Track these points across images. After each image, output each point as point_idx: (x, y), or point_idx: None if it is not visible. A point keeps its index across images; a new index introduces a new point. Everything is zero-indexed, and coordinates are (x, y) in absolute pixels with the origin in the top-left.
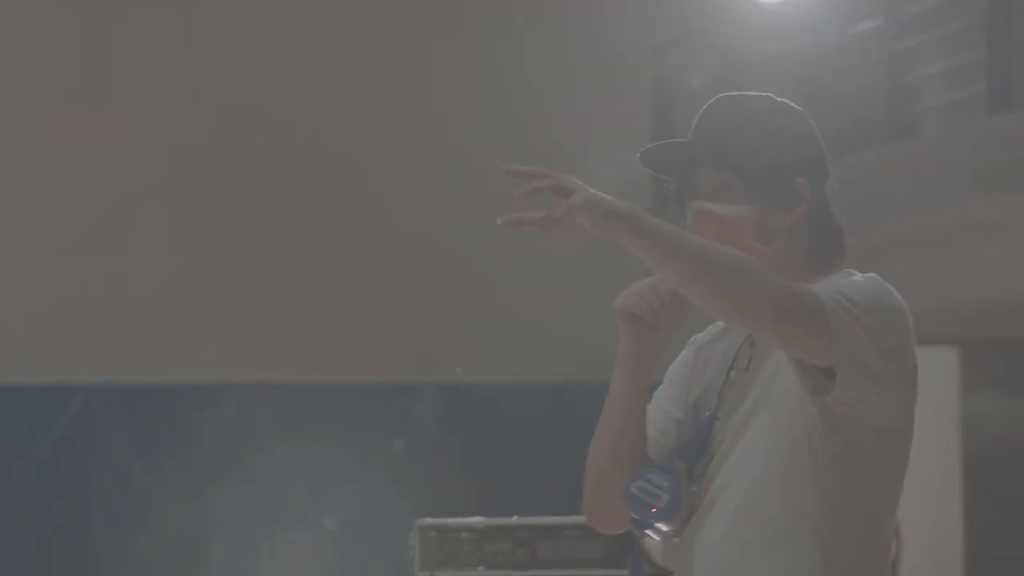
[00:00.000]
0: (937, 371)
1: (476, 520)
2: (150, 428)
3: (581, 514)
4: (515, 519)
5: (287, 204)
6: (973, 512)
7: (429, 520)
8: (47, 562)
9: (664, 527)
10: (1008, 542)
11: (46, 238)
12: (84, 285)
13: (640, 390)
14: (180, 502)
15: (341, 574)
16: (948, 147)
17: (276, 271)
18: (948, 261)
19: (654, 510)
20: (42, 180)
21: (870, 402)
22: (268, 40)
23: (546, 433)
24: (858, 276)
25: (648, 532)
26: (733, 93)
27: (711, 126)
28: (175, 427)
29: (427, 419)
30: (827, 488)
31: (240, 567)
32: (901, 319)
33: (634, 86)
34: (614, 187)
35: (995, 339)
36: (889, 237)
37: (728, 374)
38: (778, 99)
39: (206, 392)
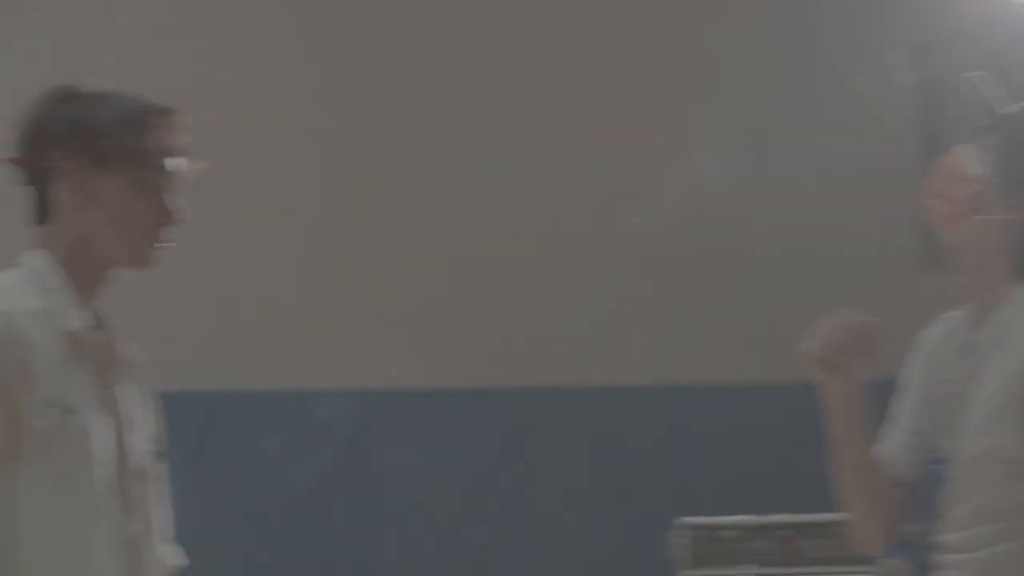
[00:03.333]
0: None
1: (738, 518)
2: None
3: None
4: (778, 517)
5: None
6: None
7: (691, 519)
8: None
9: None
10: None
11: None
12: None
13: (863, 423)
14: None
15: (601, 573)
16: None
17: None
18: None
19: None
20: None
21: None
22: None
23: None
24: None
25: None
26: None
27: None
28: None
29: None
30: None
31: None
32: None
33: (897, 87)
34: (874, 182)
35: None
36: None
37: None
38: None
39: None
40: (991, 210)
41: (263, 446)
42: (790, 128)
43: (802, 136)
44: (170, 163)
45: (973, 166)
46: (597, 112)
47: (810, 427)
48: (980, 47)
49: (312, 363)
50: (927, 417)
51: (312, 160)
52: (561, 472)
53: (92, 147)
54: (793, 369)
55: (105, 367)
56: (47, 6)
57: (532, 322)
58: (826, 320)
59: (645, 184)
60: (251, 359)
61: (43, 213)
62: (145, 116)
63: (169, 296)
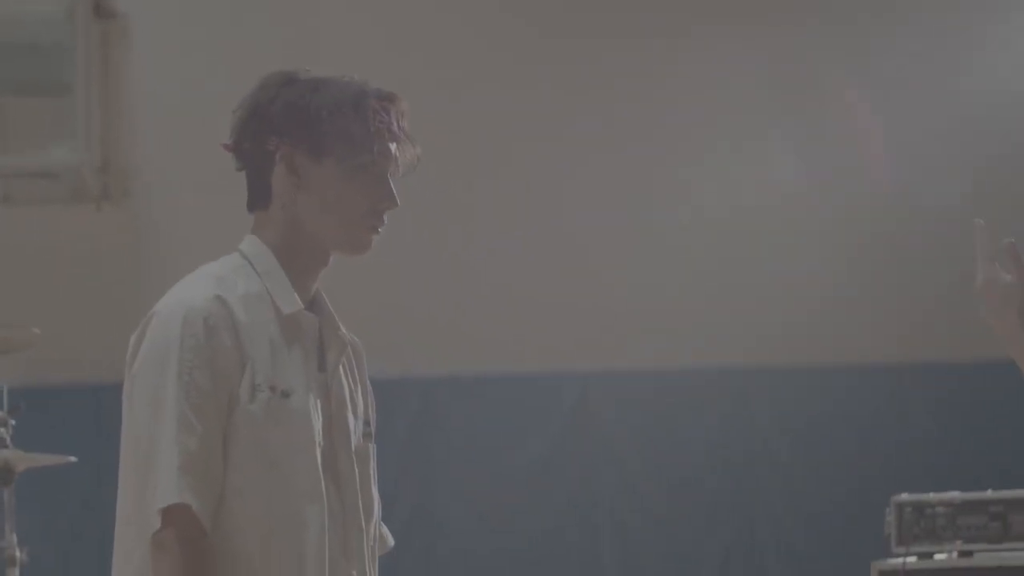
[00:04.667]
0: None
1: (948, 495)
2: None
3: None
4: (989, 493)
5: None
6: None
7: (905, 496)
8: None
9: None
10: None
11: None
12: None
13: None
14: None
15: (826, 546)
16: None
17: None
18: None
19: None
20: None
21: None
22: None
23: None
24: None
25: None
26: None
27: None
28: None
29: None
30: None
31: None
32: None
33: None
34: None
35: None
36: None
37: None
38: None
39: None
40: None
41: (480, 431)
42: None
43: None
44: (386, 148)
45: None
46: None
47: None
48: None
49: (529, 347)
50: None
51: (532, 147)
52: (776, 450)
53: (307, 132)
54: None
55: (319, 350)
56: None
57: (745, 303)
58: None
59: None
60: (468, 343)
61: (260, 199)
62: (362, 101)
63: (385, 281)
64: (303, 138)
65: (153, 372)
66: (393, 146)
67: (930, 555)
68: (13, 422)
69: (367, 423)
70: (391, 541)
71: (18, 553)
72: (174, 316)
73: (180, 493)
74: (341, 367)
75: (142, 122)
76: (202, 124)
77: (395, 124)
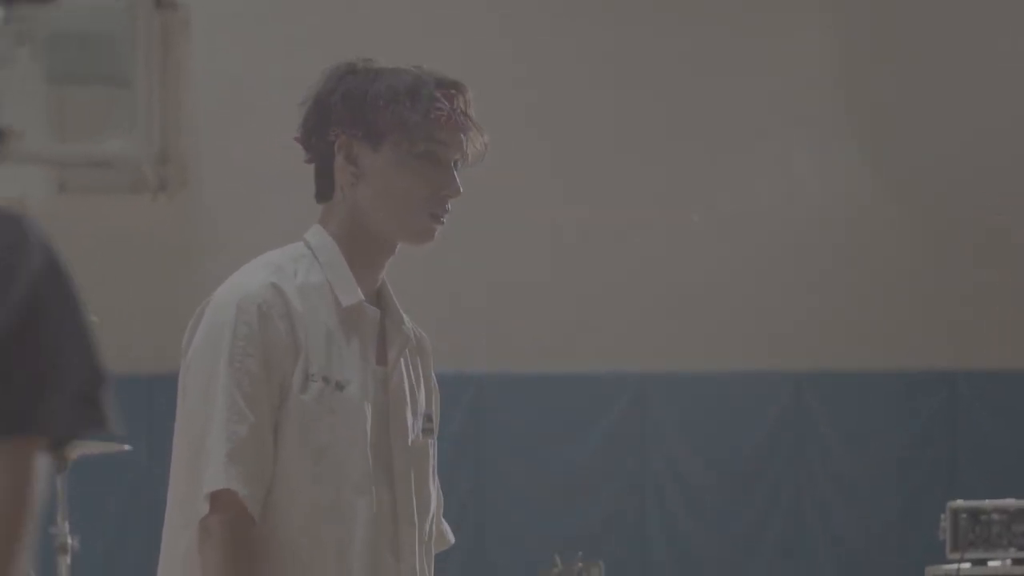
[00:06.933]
0: None
1: (1007, 502)
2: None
3: None
4: None
5: None
6: None
7: (960, 502)
8: None
9: None
10: None
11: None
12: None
13: None
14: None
15: (881, 551)
16: None
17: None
18: None
19: None
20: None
21: None
22: None
23: None
24: None
25: None
26: None
27: None
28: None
29: (967, 405)
30: None
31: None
32: None
33: None
34: None
35: None
36: None
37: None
38: None
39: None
40: None
41: (531, 428)
42: None
43: None
44: (445, 136)
45: None
46: None
47: None
48: None
49: (580, 346)
50: None
51: (590, 146)
52: (830, 454)
53: (363, 120)
54: None
55: (379, 343)
56: None
57: (803, 307)
58: None
59: None
60: (523, 341)
61: (325, 190)
62: (419, 89)
63: (442, 276)
64: (359, 127)
65: (206, 358)
66: (456, 134)
67: (984, 562)
68: None
69: (428, 419)
70: (451, 538)
71: (70, 541)
72: (228, 302)
73: (228, 480)
74: (403, 362)
75: (200, 114)
76: (259, 116)
77: (457, 112)
